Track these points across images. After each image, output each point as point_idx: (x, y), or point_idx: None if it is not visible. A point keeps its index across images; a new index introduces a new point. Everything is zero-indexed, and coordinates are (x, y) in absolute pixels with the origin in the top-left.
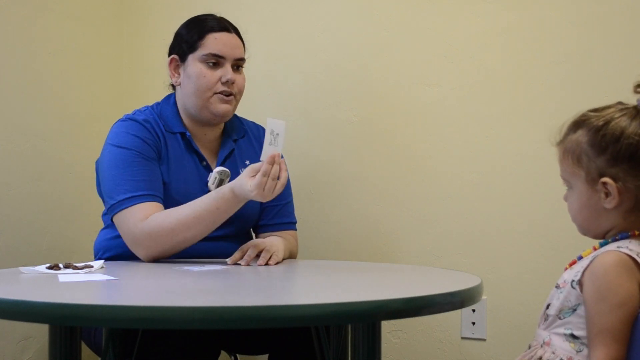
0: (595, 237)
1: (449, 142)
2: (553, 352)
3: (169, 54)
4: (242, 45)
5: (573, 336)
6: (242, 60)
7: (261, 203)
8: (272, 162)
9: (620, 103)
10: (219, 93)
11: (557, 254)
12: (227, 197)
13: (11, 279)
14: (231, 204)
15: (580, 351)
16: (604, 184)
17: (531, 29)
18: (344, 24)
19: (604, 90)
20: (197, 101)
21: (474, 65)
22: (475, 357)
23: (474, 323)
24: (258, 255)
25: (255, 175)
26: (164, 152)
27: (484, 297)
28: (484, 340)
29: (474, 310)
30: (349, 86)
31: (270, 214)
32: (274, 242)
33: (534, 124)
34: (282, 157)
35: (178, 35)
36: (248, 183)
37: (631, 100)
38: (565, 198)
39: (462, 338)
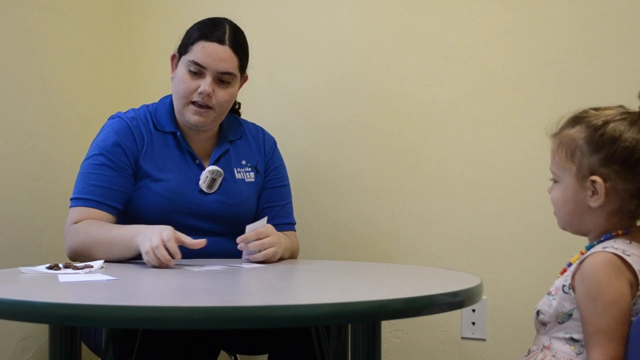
0: (574, 233)
1: (449, 142)
2: (554, 356)
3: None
4: (233, 59)
5: (573, 339)
6: (228, 74)
7: (258, 204)
8: (194, 245)
9: (621, 107)
10: (194, 103)
11: (557, 254)
12: (130, 229)
13: (11, 279)
14: (125, 240)
15: (581, 353)
16: (593, 182)
17: (531, 29)
18: (344, 25)
19: (604, 90)
20: (176, 104)
21: (474, 65)
22: (475, 357)
23: (474, 323)
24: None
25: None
26: (148, 150)
27: (484, 297)
28: (484, 340)
29: (474, 310)
30: (349, 86)
31: (269, 215)
32: (279, 243)
33: (534, 124)
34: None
35: (186, 33)
36: (163, 233)
37: (632, 102)
38: (549, 190)
39: (462, 338)
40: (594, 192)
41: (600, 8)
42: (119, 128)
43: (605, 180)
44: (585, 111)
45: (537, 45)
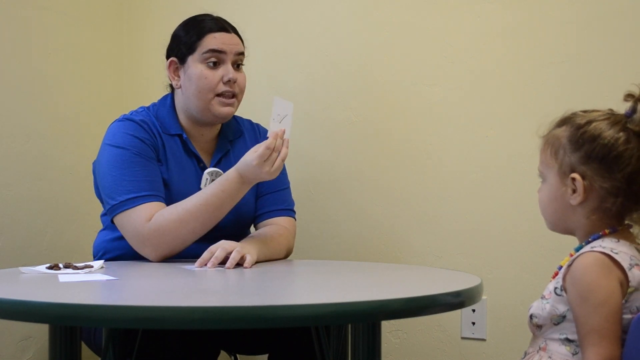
0: (561, 232)
1: (449, 142)
2: (550, 357)
3: (167, 57)
4: (241, 43)
5: (568, 340)
6: (243, 55)
7: (256, 195)
8: (276, 137)
9: (610, 110)
10: (221, 95)
11: (557, 254)
12: (231, 177)
13: (11, 279)
14: (235, 184)
15: (576, 354)
16: (573, 179)
17: (531, 29)
18: (345, 24)
19: (604, 90)
20: (199, 103)
21: (474, 65)
22: (475, 357)
23: (474, 323)
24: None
25: (259, 150)
26: (162, 153)
27: (484, 297)
28: (484, 340)
29: (474, 310)
30: (349, 86)
31: (267, 202)
32: (245, 245)
33: (534, 124)
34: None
35: (176, 37)
36: (250, 156)
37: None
38: (539, 191)
39: (462, 338)
40: (574, 190)
41: (600, 8)
42: (134, 129)
43: (584, 177)
44: (574, 113)
45: (537, 45)
